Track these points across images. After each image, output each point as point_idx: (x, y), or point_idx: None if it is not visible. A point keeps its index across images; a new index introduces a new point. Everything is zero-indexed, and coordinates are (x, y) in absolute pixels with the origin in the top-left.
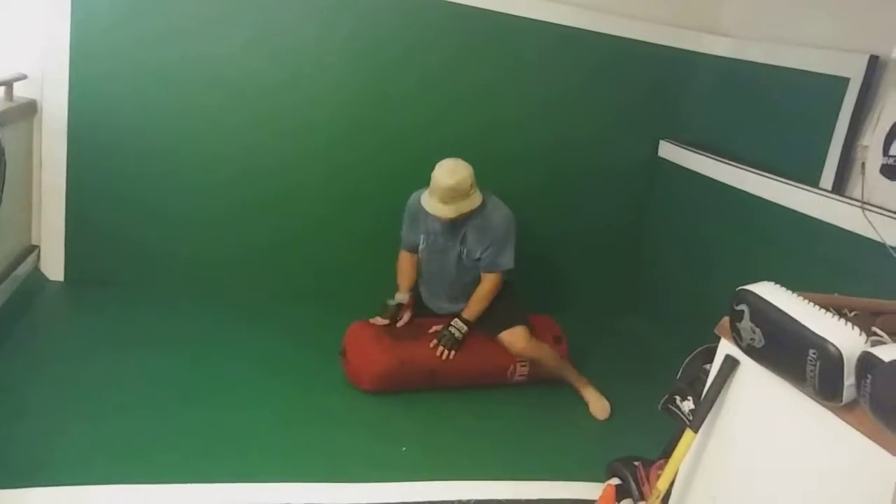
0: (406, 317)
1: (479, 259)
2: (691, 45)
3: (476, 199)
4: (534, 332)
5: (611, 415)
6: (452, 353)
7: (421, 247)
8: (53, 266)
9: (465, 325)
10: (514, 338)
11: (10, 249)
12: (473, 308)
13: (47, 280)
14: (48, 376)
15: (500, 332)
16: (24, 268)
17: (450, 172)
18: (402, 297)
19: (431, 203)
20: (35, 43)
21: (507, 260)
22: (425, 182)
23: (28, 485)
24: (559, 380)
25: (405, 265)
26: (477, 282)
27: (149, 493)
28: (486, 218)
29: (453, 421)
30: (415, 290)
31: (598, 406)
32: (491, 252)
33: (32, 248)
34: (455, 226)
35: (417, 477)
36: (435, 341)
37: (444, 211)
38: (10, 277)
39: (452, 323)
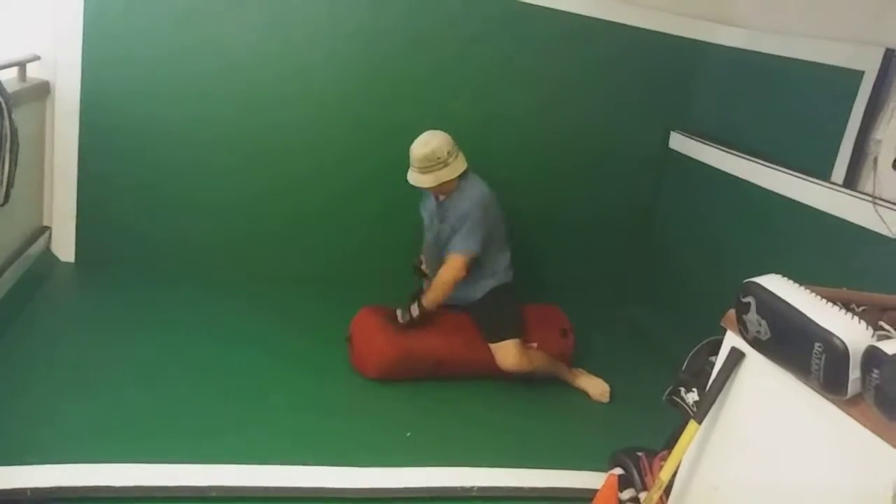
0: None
1: None
2: (704, 35)
3: (458, 168)
4: (527, 342)
5: (612, 399)
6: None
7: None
8: (64, 247)
9: (419, 310)
10: (504, 354)
11: (21, 230)
12: (430, 295)
13: (58, 261)
14: (57, 356)
15: (492, 342)
16: (36, 248)
17: (423, 143)
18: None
19: (412, 175)
20: (48, 24)
21: (469, 244)
22: None
23: (34, 462)
24: (554, 379)
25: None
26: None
27: (152, 472)
28: (459, 197)
29: (458, 408)
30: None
31: (598, 390)
32: (456, 232)
33: (44, 229)
34: (442, 204)
35: (421, 463)
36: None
37: (424, 181)
38: (22, 258)
39: (411, 305)
